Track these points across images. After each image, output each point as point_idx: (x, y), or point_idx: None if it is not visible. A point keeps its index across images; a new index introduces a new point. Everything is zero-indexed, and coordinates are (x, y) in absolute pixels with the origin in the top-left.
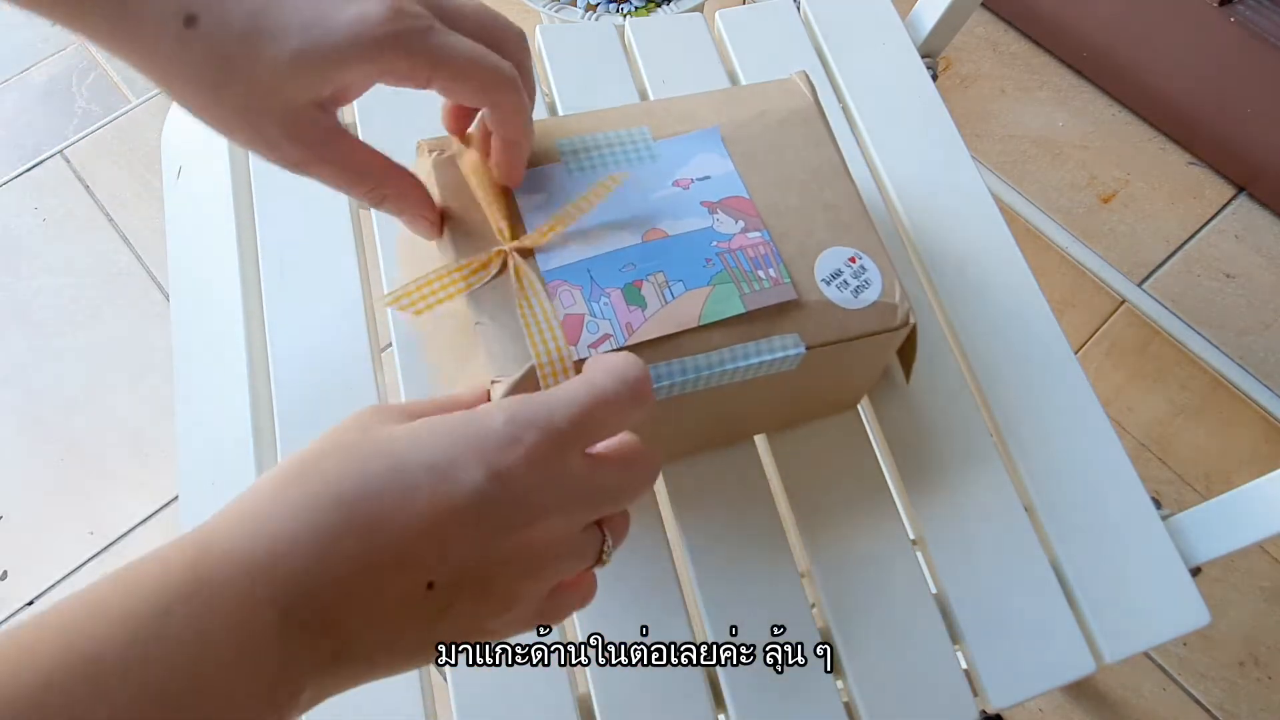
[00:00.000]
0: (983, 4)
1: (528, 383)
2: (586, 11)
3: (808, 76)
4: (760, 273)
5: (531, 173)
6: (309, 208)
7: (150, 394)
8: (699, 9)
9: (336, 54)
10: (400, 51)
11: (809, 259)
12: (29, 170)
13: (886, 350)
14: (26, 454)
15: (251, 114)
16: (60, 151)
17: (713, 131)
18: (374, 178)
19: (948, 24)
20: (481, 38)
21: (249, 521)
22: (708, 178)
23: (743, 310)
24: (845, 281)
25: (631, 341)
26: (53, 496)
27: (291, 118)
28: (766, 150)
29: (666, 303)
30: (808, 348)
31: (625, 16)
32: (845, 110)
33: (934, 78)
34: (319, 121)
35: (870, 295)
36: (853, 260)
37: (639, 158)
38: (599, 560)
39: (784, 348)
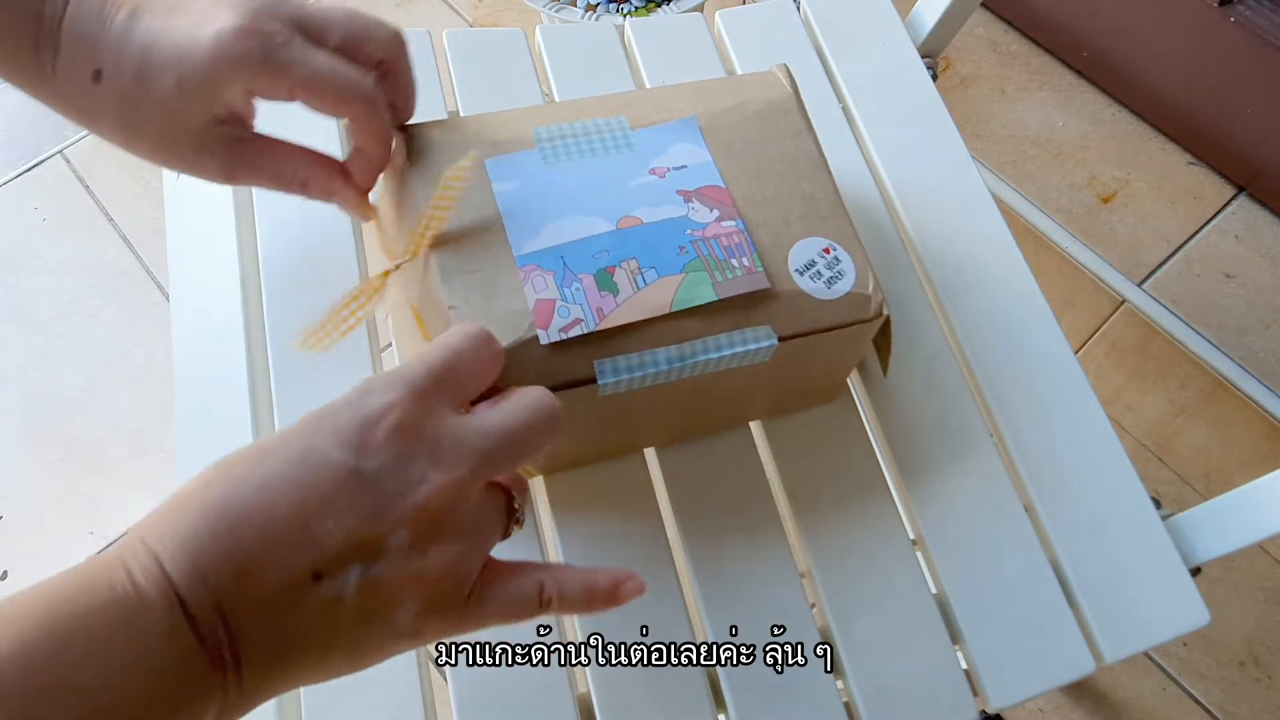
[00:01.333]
0: (983, 4)
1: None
2: (586, 11)
3: (788, 69)
4: (734, 261)
5: (505, 159)
6: (309, 207)
7: (150, 394)
8: (699, 9)
9: (205, 79)
10: (256, 68)
11: (783, 249)
12: (29, 170)
13: (860, 342)
14: (26, 454)
15: (165, 142)
16: (60, 151)
17: (690, 121)
18: (291, 174)
19: (948, 24)
20: (349, 45)
21: (156, 539)
22: (684, 167)
23: (715, 298)
24: (819, 272)
25: (602, 326)
26: (53, 496)
27: (199, 139)
28: (744, 141)
29: (639, 289)
30: (780, 339)
31: (625, 16)
32: (845, 110)
33: (934, 78)
34: (225, 135)
35: (844, 286)
36: (827, 251)
37: (615, 146)
38: (513, 522)
39: (755, 339)
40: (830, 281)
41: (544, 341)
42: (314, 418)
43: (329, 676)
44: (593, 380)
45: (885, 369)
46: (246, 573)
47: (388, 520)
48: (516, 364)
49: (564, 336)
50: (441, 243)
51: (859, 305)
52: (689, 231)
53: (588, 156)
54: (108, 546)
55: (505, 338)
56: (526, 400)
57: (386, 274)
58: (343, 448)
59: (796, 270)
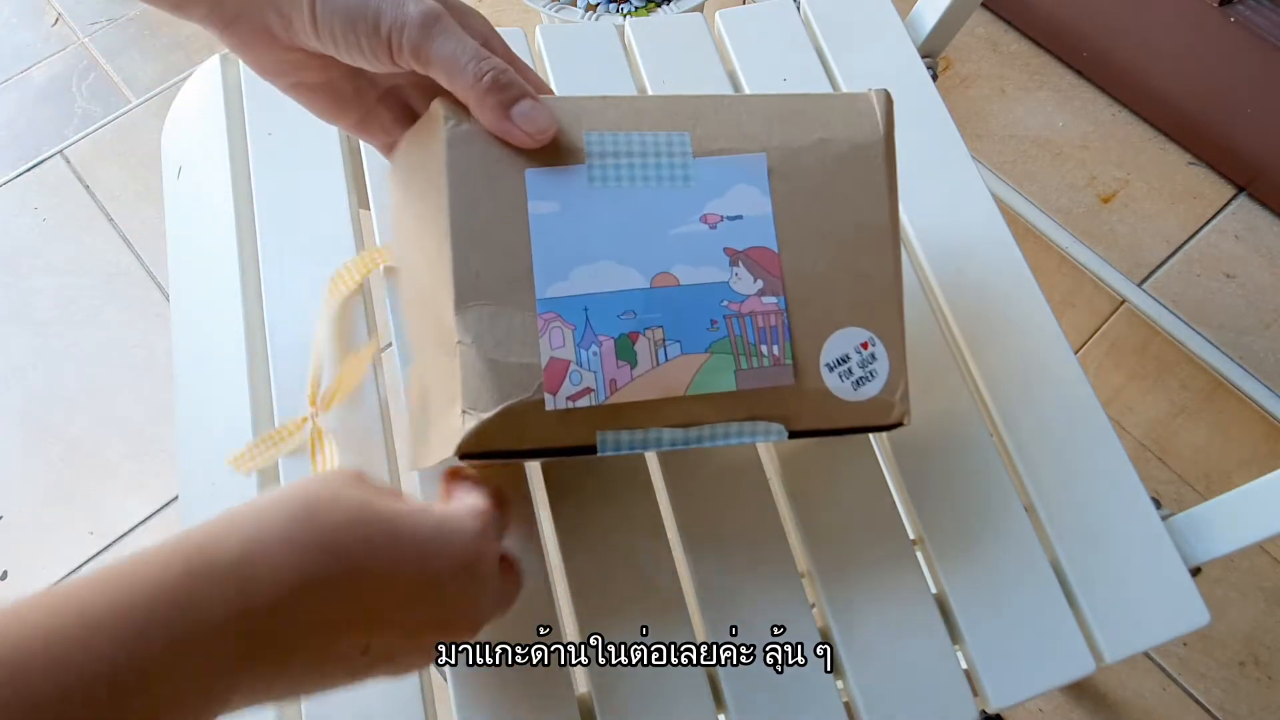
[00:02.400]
0: (983, 4)
1: (500, 422)
2: (586, 11)
3: (889, 99)
4: (764, 347)
5: (548, 174)
6: (309, 208)
7: (150, 394)
8: (699, 9)
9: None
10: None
11: (820, 337)
12: (29, 170)
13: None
14: (26, 454)
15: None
16: (60, 151)
17: (759, 160)
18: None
19: (948, 24)
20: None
21: (252, 549)
22: (740, 218)
23: (734, 388)
24: (850, 370)
25: (612, 401)
26: (53, 496)
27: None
28: (812, 195)
29: (658, 364)
30: (790, 434)
31: (625, 16)
32: None
33: (934, 78)
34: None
35: (871, 389)
36: (865, 346)
37: (671, 176)
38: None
39: (766, 433)
40: (859, 383)
41: (549, 407)
42: (444, 525)
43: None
44: (592, 449)
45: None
46: (329, 632)
47: (450, 632)
48: (515, 422)
49: (570, 406)
50: (460, 259)
51: (881, 411)
52: (725, 303)
53: (638, 185)
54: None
55: (510, 395)
56: (518, 584)
57: (304, 420)
58: (455, 566)
59: (827, 365)
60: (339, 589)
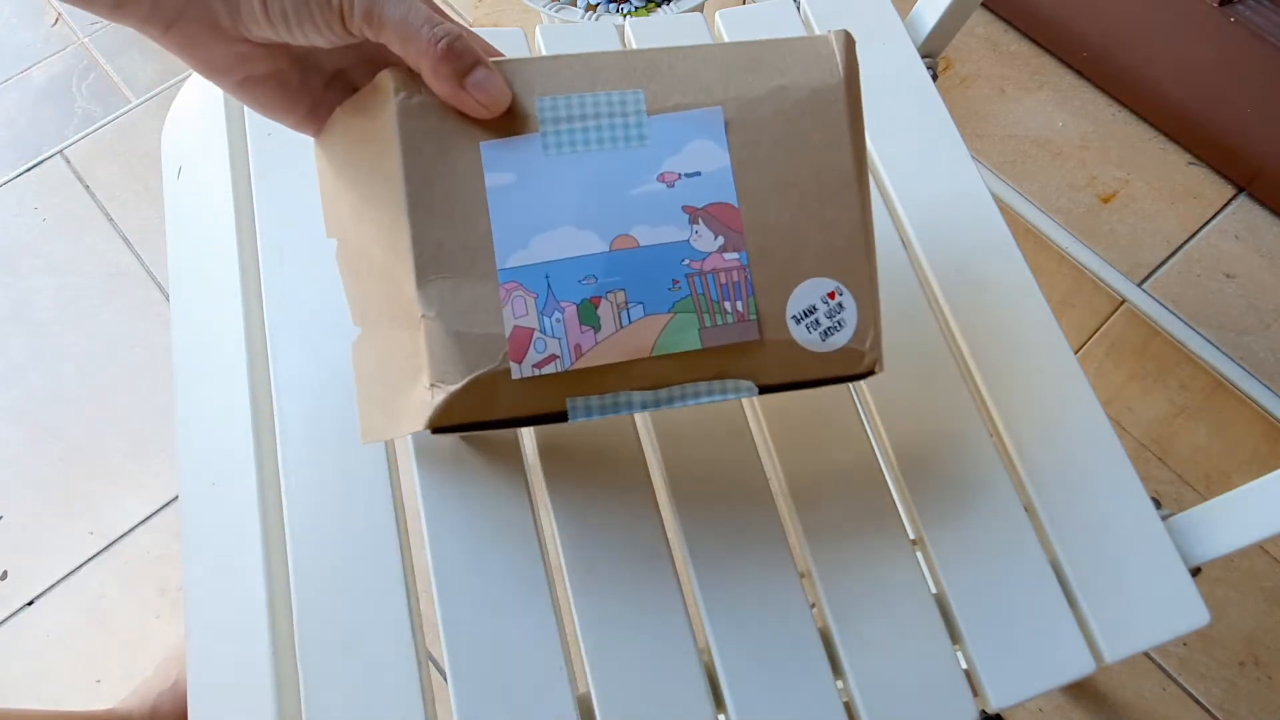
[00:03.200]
0: (983, 4)
1: (468, 393)
2: (586, 11)
3: (849, 38)
4: (727, 304)
5: (502, 145)
6: (309, 208)
7: (150, 394)
8: (699, 9)
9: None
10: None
11: (785, 289)
12: (29, 170)
13: (836, 387)
14: (26, 454)
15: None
16: (60, 151)
17: (715, 113)
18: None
19: (948, 24)
20: None
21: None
22: (698, 174)
23: (699, 346)
24: (817, 321)
25: (578, 366)
26: (53, 496)
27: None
28: (772, 145)
29: (622, 326)
30: (761, 389)
31: (625, 16)
32: None
33: (934, 78)
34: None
35: (840, 339)
36: (832, 296)
37: (626, 137)
38: None
39: (735, 390)
40: (827, 333)
41: (516, 376)
42: None
43: None
44: (563, 415)
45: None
46: None
47: None
48: (484, 392)
49: (537, 373)
50: (420, 233)
51: (850, 360)
52: (686, 261)
53: (594, 149)
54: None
55: (477, 366)
56: None
57: None
58: None
59: (793, 317)
60: None
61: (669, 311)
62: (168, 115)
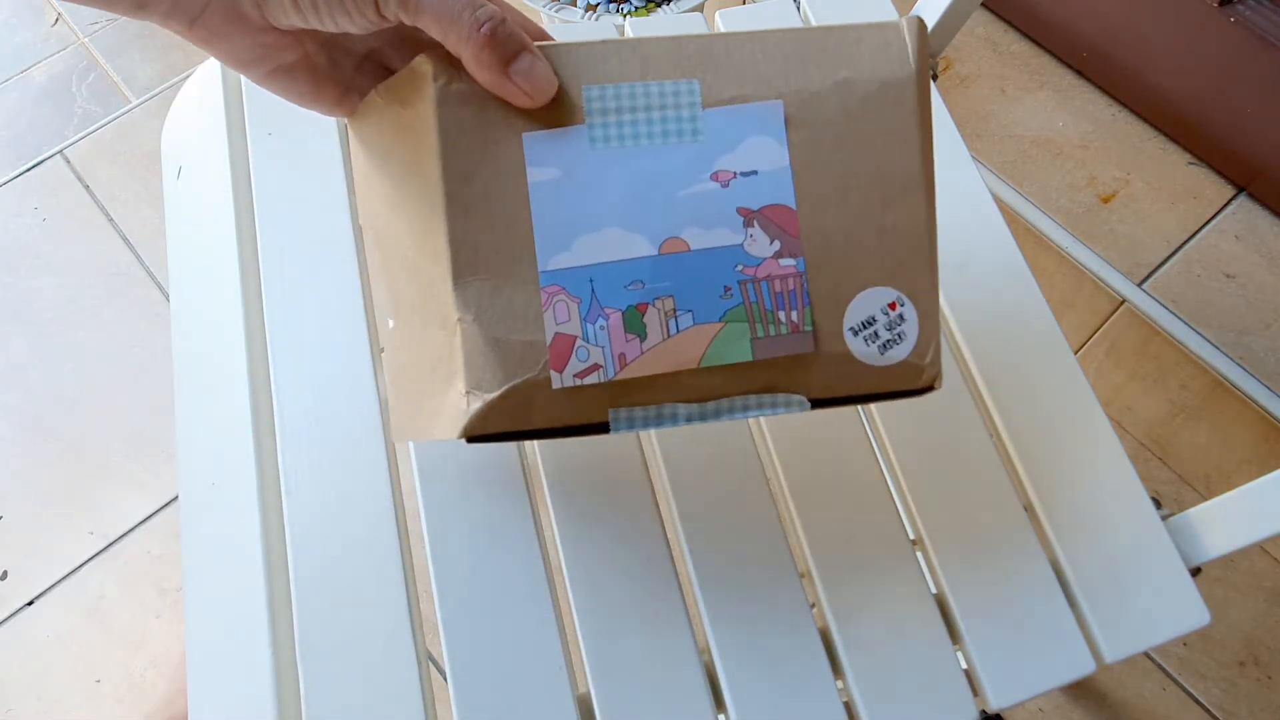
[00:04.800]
0: (983, 4)
1: (505, 402)
2: (586, 12)
3: (921, 25)
4: (781, 314)
5: (546, 138)
6: (309, 208)
7: (150, 394)
8: (699, 9)
9: None
10: None
11: (843, 299)
12: (29, 170)
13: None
14: (26, 454)
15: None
16: (60, 151)
17: (775, 108)
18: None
19: (948, 24)
20: None
21: None
22: (754, 173)
23: (750, 358)
24: (876, 334)
25: (621, 376)
26: (53, 496)
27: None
28: (835, 144)
29: (669, 335)
30: (813, 404)
31: (625, 16)
32: None
33: (934, 78)
34: None
35: (899, 353)
36: (893, 306)
37: (679, 131)
38: None
39: (786, 405)
40: (886, 346)
41: (556, 385)
42: None
43: None
44: (604, 427)
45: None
46: None
47: None
48: (521, 401)
49: (578, 383)
50: (457, 230)
51: (909, 375)
52: (739, 268)
53: (644, 143)
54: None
55: (515, 375)
56: None
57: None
58: None
59: (851, 329)
60: None
61: (720, 320)
62: (167, 115)
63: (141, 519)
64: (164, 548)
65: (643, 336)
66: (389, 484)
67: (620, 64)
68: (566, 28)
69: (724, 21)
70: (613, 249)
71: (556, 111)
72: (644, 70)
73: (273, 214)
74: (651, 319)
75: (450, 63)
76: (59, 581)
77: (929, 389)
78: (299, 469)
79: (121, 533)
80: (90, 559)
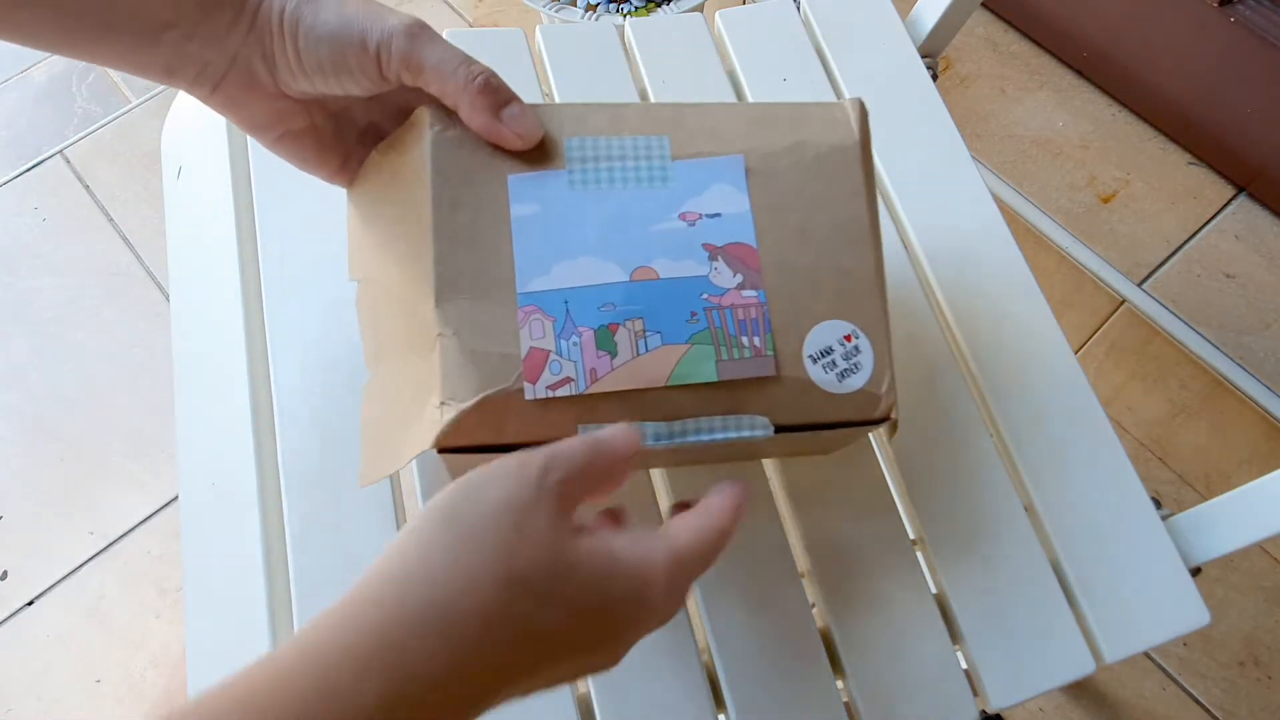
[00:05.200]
0: (983, 4)
1: (479, 412)
2: (586, 11)
3: (863, 107)
4: (744, 339)
5: (529, 178)
6: (309, 208)
7: (150, 394)
8: (699, 9)
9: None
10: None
11: (802, 329)
12: (29, 170)
13: (857, 437)
14: (26, 454)
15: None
16: (60, 151)
17: (737, 161)
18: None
19: (948, 24)
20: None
21: (442, 628)
22: (718, 215)
23: (715, 379)
24: (834, 362)
25: (592, 390)
26: (53, 496)
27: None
28: (792, 194)
29: (638, 355)
30: (776, 429)
31: (625, 16)
32: None
33: (934, 78)
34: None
35: (856, 381)
36: (848, 339)
37: (649, 177)
38: None
39: (750, 427)
40: (843, 375)
41: (529, 396)
42: (639, 574)
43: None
44: None
45: (890, 435)
46: (500, 675)
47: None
48: (495, 412)
49: (550, 395)
50: (442, 255)
51: (867, 404)
52: (705, 296)
53: (618, 185)
54: None
55: (490, 384)
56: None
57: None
58: (647, 613)
59: (810, 356)
60: (524, 668)
61: (687, 342)
62: (167, 115)
63: (141, 519)
64: (164, 548)
65: (614, 354)
66: (389, 484)
67: (599, 121)
68: (567, 28)
69: (724, 21)
70: (587, 275)
71: (540, 158)
72: (619, 128)
73: (273, 214)
74: (622, 338)
75: (446, 113)
76: (59, 581)
77: (886, 419)
78: (299, 469)
79: (121, 533)
80: (90, 559)
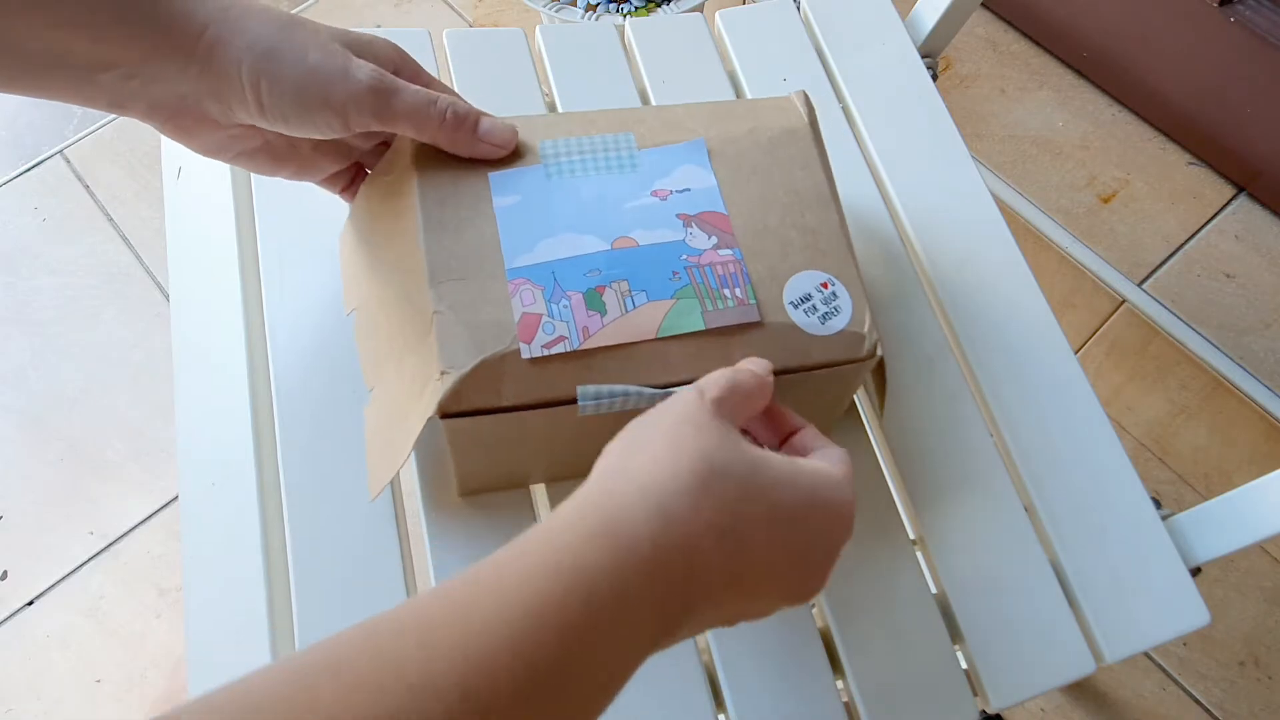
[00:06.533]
0: (983, 4)
1: (478, 375)
2: (586, 12)
3: (807, 97)
4: (726, 291)
5: (508, 174)
6: (309, 208)
7: (150, 394)
8: (699, 9)
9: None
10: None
11: (780, 281)
12: (29, 170)
13: (852, 381)
14: (26, 454)
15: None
16: (60, 151)
17: (698, 144)
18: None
19: (948, 24)
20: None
21: (656, 500)
22: (687, 190)
23: (703, 327)
24: (814, 307)
25: (585, 346)
26: (53, 496)
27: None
28: (752, 168)
29: (627, 311)
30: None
31: (625, 16)
32: (845, 110)
33: (934, 78)
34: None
35: (838, 323)
36: (825, 286)
37: (619, 165)
38: None
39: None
40: (825, 317)
41: (525, 356)
42: (828, 486)
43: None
44: (573, 401)
45: (881, 409)
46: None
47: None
48: (493, 375)
49: (546, 353)
50: (433, 245)
51: (852, 343)
52: (684, 257)
53: (591, 174)
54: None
55: (486, 349)
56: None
57: None
58: (835, 520)
59: (791, 303)
60: (730, 570)
61: (672, 298)
62: None
63: (141, 519)
64: (164, 548)
65: (603, 313)
66: (389, 484)
67: (570, 125)
68: (567, 28)
69: (724, 21)
70: (571, 247)
71: (518, 159)
72: (589, 130)
73: (273, 214)
74: (610, 298)
75: None
76: (59, 581)
77: (871, 356)
78: (299, 469)
79: (121, 533)
80: (90, 559)
